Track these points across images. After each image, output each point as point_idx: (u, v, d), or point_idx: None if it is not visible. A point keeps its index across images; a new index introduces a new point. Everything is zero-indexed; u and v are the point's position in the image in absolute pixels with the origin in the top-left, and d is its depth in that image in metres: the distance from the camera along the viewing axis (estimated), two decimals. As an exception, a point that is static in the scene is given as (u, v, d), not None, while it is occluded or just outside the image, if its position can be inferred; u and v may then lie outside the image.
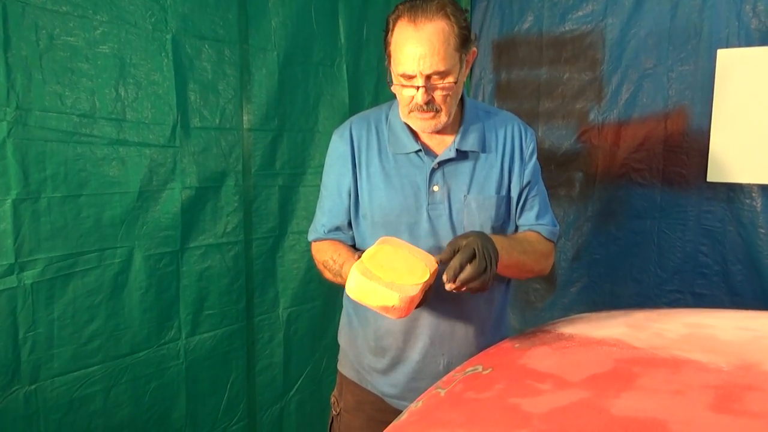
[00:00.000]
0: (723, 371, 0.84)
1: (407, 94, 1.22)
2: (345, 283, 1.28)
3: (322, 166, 1.42)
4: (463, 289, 1.08)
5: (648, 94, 2.16)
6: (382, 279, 1.05)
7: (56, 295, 1.42)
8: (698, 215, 2.06)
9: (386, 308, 1.05)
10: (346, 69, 2.08)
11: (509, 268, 1.24)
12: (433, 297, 1.17)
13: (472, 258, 1.08)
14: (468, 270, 1.07)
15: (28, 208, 1.36)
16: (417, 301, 1.08)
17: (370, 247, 1.15)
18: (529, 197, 1.36)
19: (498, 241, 1.17)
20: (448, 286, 1.07)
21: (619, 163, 2.22)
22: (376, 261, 1.09)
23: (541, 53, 2.40)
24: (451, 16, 1.16)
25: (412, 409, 0.99)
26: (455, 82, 1.19)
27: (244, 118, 1.81)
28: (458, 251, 1.09)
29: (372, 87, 2.20)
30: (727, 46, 1.99)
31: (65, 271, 1.43)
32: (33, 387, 1.39)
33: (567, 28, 2.32)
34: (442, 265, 1.10)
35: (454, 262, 1.07)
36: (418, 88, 1.18)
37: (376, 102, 2.19)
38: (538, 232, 1.36)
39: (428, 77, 1.17)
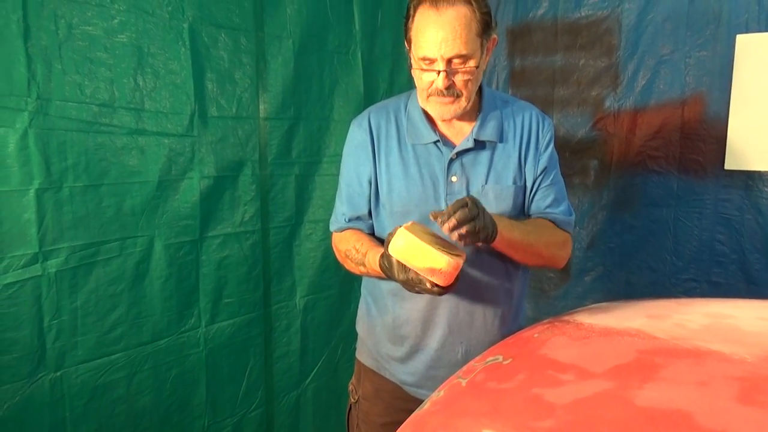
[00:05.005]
0: (747, 362, 0.84)
1: (427, 79, 1.21)
2: (368, 272, 1.29)
3: (338, 154, 1.43)
4: (463, 232, 1.08)
5: (665, 80, 2.13)
6: (430, 244, 1.06)
7: (79, 284, 1.44)
8: (715, 203, 2.04)
9: (432, 270, 1.06)
10: (361, 56, 2.07)
11: (513, 246, 1.24)
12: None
13: (464, 205, 1.10)
14: (459, 213, 1.08)
15: (51, 198, 1.37)
16: (458, 272, 1.08)
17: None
18: (542, 186, 1.34)
19: (498, 217, 1.19)
20: (445, 228, 1.08)
21: (635, 150, 2.20)
22: (416, 231, 1.10)
23: (556, 39, 2.37)
24: (473, 2, 1.16)
25: (434, 399, 0.99)
26: (476, 67, 1.19)
27: (260, 107, 1.81)
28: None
29: (387, 74, 2.19)
30: (746, 32, 1.95)
31: (88, 259, 1.45)
32: (58, 374, 1.42)
33: (582, 14, 2.29)
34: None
35: (448, 209, 1.09)
36: (438, 72, 1.18)
37: (390, 89, 2.19)
38: (549, 220, 1.35)
39: (449, 61, 1.17)
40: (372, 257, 1.24)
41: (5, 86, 1.29)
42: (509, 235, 1.21)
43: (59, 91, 1.37)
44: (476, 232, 1.10)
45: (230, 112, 1.73)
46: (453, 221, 1.07)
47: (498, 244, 1.19)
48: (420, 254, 1.06)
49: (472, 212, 1.09)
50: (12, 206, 1.32)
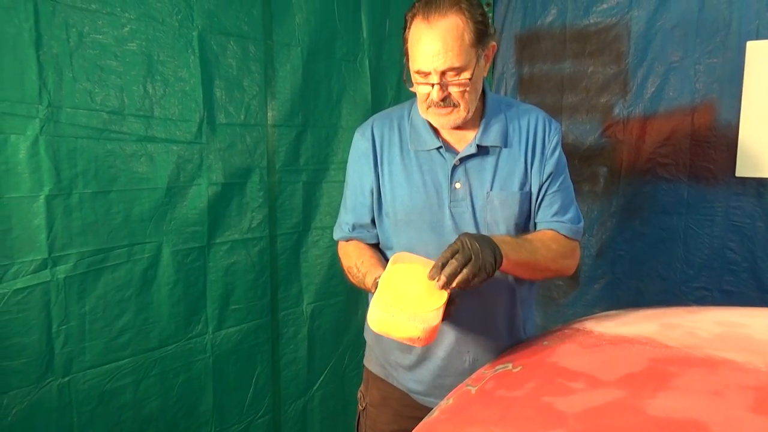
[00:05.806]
0: (761, 372, 0.83)
1: (423, 91, 1.21)
2: (368, 289, 1.28)
3: (346, 162, 1.43)
4: (454, 285, 1.06)
5: (674, 87, 2.12)
6: (404, 310, 1.04)
7: (88, 290, 1.45)
8: (726, 211, 2.02)
9: (411, 339, 1.05)
10: (369, 64, 2.08)
11: (519, 266, 1.20)
12: (458, 295, 1.15)
13: (455, 252, 1.06)
14: (448, 267, 1.05)
15: (61, 204, 1.38)
16: (439, 326, 1.06)
17: (384, 272, 1.13)
18: (548, 192, 1.31)
19: (503, 240, 1.15)
20: (437, 285, 1.05)
21: (645, 157, 2.19)
22: (394, 289, 1.08)
23: (565, 47, 2.37)
24: (466, 11, 1.14)
25: (443, 407, 0.99)
26: (470, 78, 1.18)
27: (268, 114, 1.82)
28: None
29: (394, 82, 2.19)
30: (757, 38, 1.94)
31: (96, 265, 1.45)
32: (66, 379, 1.42)
33: (591, 21, 2.29)
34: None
35: (438, 260, 1.06)
36: (433, 85, 1.17)
37: (398, 97, 2.19)
38: (556, 230, 1.31)
39: (443, 74, 1.16)
40: (370, 280, 1.23)
41: (17, 94, 1.30)
42: (516, 257, 1.16)
43: (70, 98, 1.38)
44: (470, 279, 1.05)
45: (238, 120, 1.74)
46: (443, 279, 1.04)
47: (504, 267, 1.15)
48: (394, 327, 1.04)
49: (465, 256, 1.05)
50: (22, 212, 1.33)
